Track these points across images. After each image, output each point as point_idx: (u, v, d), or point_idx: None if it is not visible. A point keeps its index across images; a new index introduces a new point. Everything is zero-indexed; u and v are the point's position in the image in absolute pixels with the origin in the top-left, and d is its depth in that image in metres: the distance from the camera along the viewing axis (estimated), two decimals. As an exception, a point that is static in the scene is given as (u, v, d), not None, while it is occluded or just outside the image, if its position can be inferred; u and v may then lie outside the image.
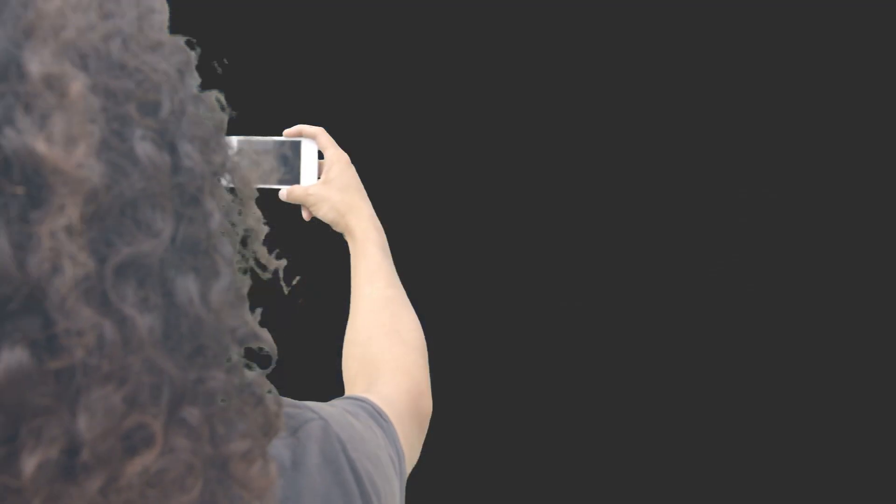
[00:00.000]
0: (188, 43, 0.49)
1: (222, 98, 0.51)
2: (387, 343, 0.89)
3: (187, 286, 0.44)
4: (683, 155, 1.74)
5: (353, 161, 1.04)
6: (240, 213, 0.50)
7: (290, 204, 1.04)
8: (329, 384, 0.93)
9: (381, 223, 1.01)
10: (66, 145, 0.40)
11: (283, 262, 0.54)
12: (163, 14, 0.49)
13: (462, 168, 1.68)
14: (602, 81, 1.72)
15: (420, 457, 0.82)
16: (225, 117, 0.50)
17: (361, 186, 1.03)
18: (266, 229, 0.52)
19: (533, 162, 1.75)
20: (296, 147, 1.03)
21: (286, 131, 1.05)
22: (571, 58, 1.72)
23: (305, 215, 1.04)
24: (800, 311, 1.74)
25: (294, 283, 0.55)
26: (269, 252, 0.53)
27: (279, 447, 0.56)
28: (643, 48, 1.72)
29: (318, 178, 1.03)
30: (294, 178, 1.03)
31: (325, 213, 1.01)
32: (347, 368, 0.90)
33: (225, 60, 0.53)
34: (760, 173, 1.73)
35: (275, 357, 0.51)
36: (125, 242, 0.42)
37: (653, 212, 1.76)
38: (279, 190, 1.03)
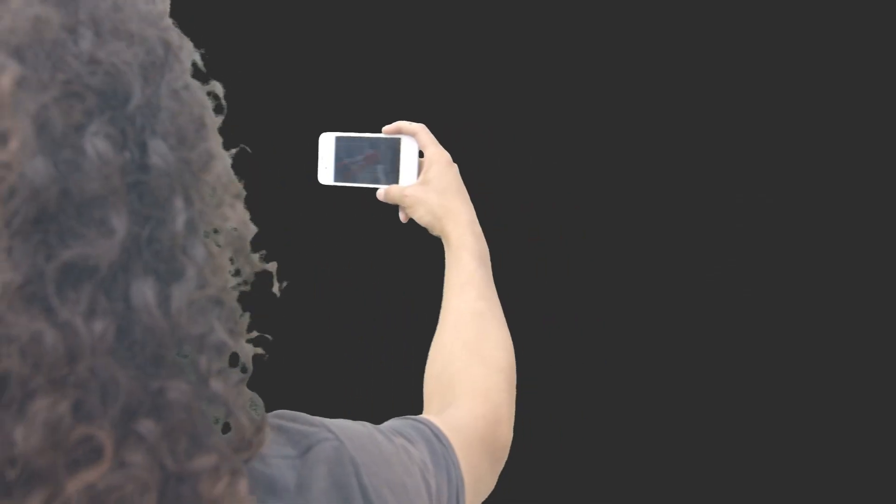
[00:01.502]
0: (180, 36, 0.48)
1: (219, 91, 0.49)
2: (467, 362, 0.84)
3: (143, 290, 0.42)
4: (680, 160, 1.72)
5: (457, 161, 0.99)
6: (225, 214, 0.48)
7: (387, 204, 1.01)
8: (415, 403, 0.90)
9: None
10: None
11: (274, 265, 0.52)
12: (148, 5, 0.47)
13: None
14: (598, 86, 1.72)
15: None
16: (211, 113, 0.48)
17: (463, 189, 0.97)
18: (254, 230, 0.50)
19: (529, 166, 1.76)
20: (395, 145, 1.01)
21: (385, 128, 1.02)
22: (565, 65, 1.72)
23: (402, 217, 1.01)
24: (796, 317, 1.69)
25: (284, 285, 0.51)
26: (277, 254, 0.51)
27: (284, 468, 0.53)
28: (638, 54, 1.71)
29: (418, 178, 1.00)
30: (393, 177, 1.00)
31: (421, 216, 0.97)
32: (427, 387, 0.86)
33: (203, 51, 0.50)
34: (757, 178, 1.70)
35: (249, 367, 0.48)
36: (73, 244, 0.40)
37: (649, 217, 1.74)
38: (377, 189, 1.00)
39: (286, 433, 0.55)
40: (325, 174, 1.00)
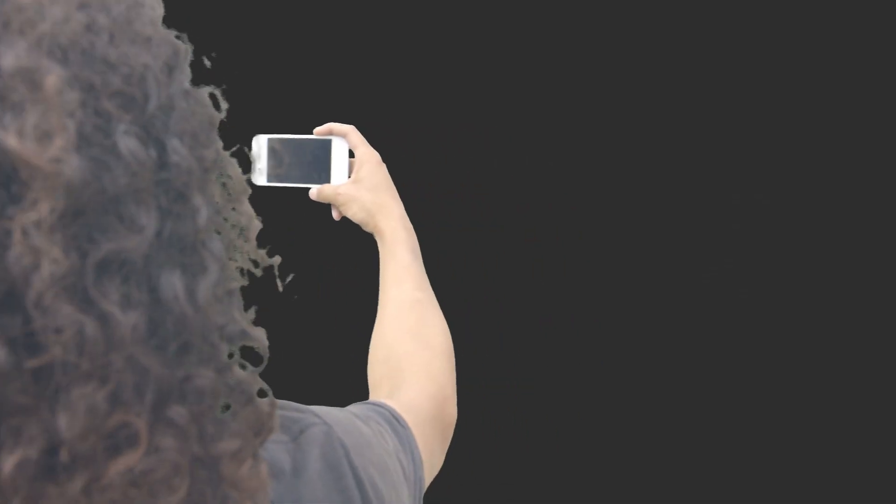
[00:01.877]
0: (179, 38, 0.50)
1: (217, 94, 0.51)
2: (412, 347, 0.89)
3: (173, 282, 0.44)
4: (676, 161, 1.78)
5: (385, 160, 1.04)
6: (233, 210, 0.51)
7: (320, 203, 1.05)
8: (358, 389, 0.93)
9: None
10: (39, 140, 0.40)
11: (277, 259, 0.54)
12: (154, 9, 0.49)
13: (448, 172, 1.67)
14: (595, 87, 1.75)
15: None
16: (217, 113, 0.50)
17: (392, 186, 1.03)
18: (259, 226, 0.53)
19: (527, 167, 1.79)
20: (326, 145, 1.04)
21: (316, 129, 1.05)
22: (562, 66, 1.75)
23: (335, 215, 1.05)
24: (792, 318, 1.76)
25: (288, 280, 0.55)
26: (282, 250, 0.53)
27: (279, 452, 0.56)
28: (636, 54, 1.75)
29: (349, 177, 1.05)
30: (324, 176, 1.04)
31: (354, 213, 1.02)
32: (372, 373, 0.90)
33: (213, 54, 0.53)
34: (754, 179, 1.77)
35: (265, 355, 0.50)
36: (107, 238, 0.42)
37: (646, 218, 1.79)
38: (309, 189, 1.04)
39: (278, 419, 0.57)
40: (259, 176, 1.03)
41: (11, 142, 0.40)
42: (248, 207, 0.52)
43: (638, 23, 1.73)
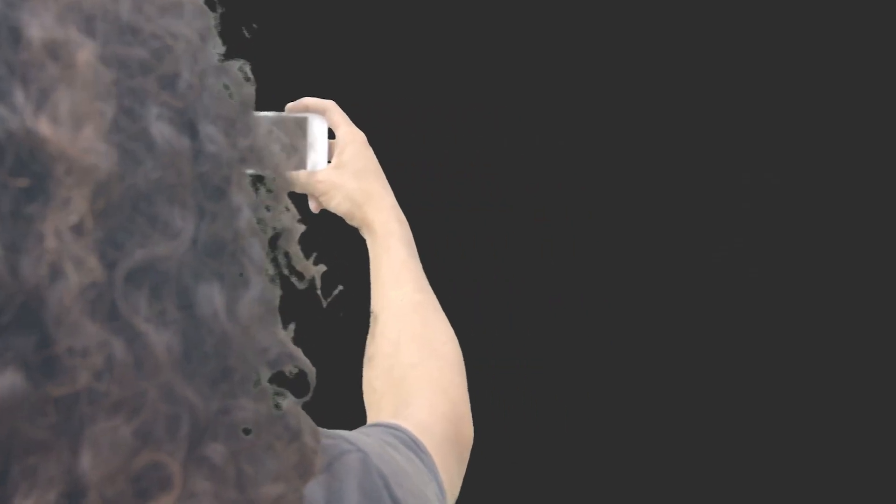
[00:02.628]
0: (209, 4, 0.49)
1: (248, 69, 0.51)
2: (418, 357, 0.88)
3: (211, 296, 0.44)
4: (686, 140, 1.90)
5: (371, 144, 1.03)
6: (269, 209, 0.50)
7: (295, 193, 1.03)
8: (352, 407, 0.94)
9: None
10: (72, 126, 0.39)
11: (322, 268, 0.54)
12: None
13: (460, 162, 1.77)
14: (606, 63, 1.87)
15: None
16: (252, 92, 0.50)
17: (381, 171, 1.01)
18: (301, 228, 0.52)
19: (534, 140, 1.88)
20: (301, 124, 1.03)
21: (289, 105, 1.03)
22: (575, 33, 1.86)
23: (313, 206, 1.03)
24: (803, 298, 1.90)
25: (335, 293, 0.55)
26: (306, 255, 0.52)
27: (311, 485, 0.54)
28: (647, 30, 1.86)
29: (329, 161, 1.03)
30: (299, 161, 1.02)
31: (337, 204, 1.00)
32: (371, 388, 0.90)
33: (254, 25, 0.53)
34: (764, 159, 1.90)
35: (313, 382, 0.50)
36: (138, 244, 0.42)
37: (656, 198, 1.90)
38: None
39: None
40: None
41: (44, 129, 0.39)
42: (290, 206, 0.52)
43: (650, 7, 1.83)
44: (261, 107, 1.02)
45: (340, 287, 0.58)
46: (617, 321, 1.89)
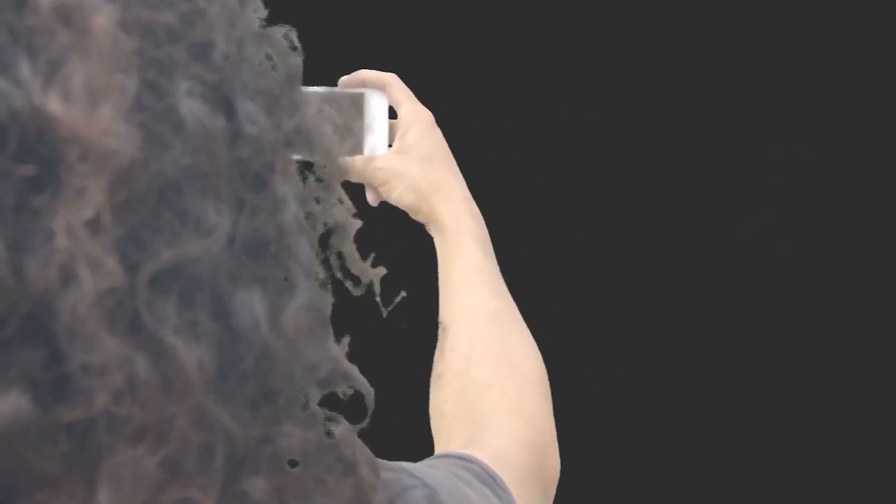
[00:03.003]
0: None
1: (294, 36, 0.50)
2: (494, 375, 0.87)
3: (251, 304, 0.43)
4: (713, 111, 2.06)
5: (440, 125, 1.01)
6: (319, 201, 0.49)
7: (350, 183, 1.01)
8: (415, 434, 0.92)
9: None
10: (87, 104, 0.38)
11: (381, 271, 0.53)
12: None
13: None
14: (628, 37, 2.03)
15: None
16: (300, 63, 0.49)
17: (451, 157, 1.00)
18: (357, 223, 0.51)
19: (557, 117, 2.03)
20: (357, 101, 1.02)
21: (343, 80, 1.02)
22: (598, 14, 2.03)
23: (371, 198, 1.02)
24: (831, 272, 2.07)
25: (397, 300, 0.53)
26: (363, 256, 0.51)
27: None
28: (670, 5, 2.02)
29: (390, 145, 1.02)
30: (354, 145, 1.01)
31: (399, 195, 0.98)
32: (439, 412, 0.89)
33: None
34: (793, 132, 2.08)
35: (371, 405, 0.49)
36: (164, 243, 0.41)
37: (683, 171, 2.08)
38: None
39: None
40: None
41: (54, 107, 0.38)
42: (344, 198, 0.51)
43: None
44: (309, 81, 1.00)
45: (403, 293, 0.57)
46: (640, 297, 2.06)
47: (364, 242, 0.53)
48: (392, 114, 1.03)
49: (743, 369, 2.07)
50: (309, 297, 0.45)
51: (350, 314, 0.53)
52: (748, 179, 2.07)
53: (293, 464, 0.45)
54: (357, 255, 0.51)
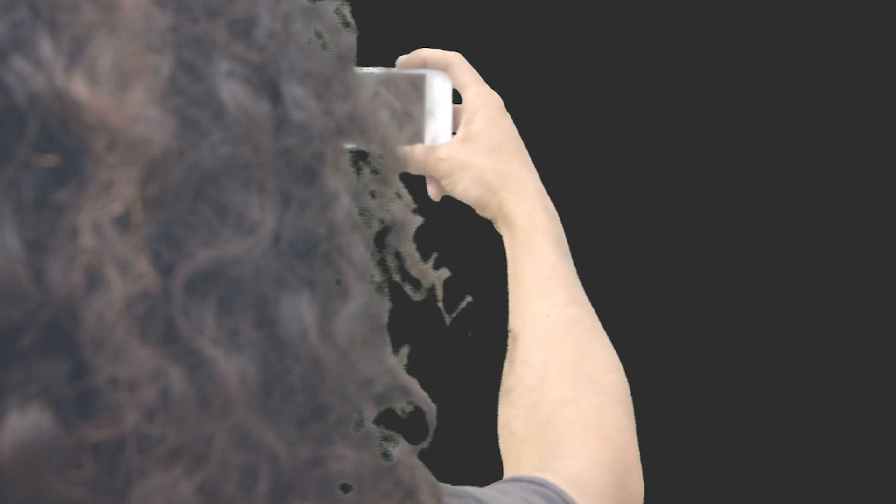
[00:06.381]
0: None
1: (346, 11, 0.50)
2: (571, 391, 0.88)
3: (299, 311, 0.43)
4: (713, 111, 2.13)
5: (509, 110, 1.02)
6: (374, 196, 0.49)
7: (409, 175, 1.03)
8: (476, 458, 0.94)
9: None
10: (116, 87, 0.38)
11: (444, 273, 0.53)
12: None
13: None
14: (628, 37, 2.09)
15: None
16: (353, 42, 0.49)
17: (522, 147, 1.00)
18: (418, 220, 0.52)
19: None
20: (417, 84, 1.02)
21: (401, 59, 1.03)
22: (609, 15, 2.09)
23: (433, 192, 1.03)
24: (831, 271, 2.14)
25: (462, 305, 0.53)
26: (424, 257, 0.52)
27: None
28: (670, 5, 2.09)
29: (454, 132, 1.02)
30: (414, 133, 1.02)
31: (466, 189, 0.99)
32: (509, 431, 0.90)
33: None
34: (793, 131, 2.14)
35: (433, 423, 0.50)
36: (203, 242, 0.41)
37: (683, 171, 2.14)
38: None
39: None
40: None
41: (79, 90, 0.38)
42: (403, 192, 0.51)
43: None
44: (364, 61, 1.01)
45: (469, 298, 0.57)
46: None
47: (425, 241, 0.53)
48: (456, 98, 1.03)
49: (743, 369, 2.15)
50: (363, 303, 0.45)
51: (409, 322, 0.54)
52: (748, 179, 2.16)
53: (346, 489, 0.45)
54: (417, 255, 0.52)
